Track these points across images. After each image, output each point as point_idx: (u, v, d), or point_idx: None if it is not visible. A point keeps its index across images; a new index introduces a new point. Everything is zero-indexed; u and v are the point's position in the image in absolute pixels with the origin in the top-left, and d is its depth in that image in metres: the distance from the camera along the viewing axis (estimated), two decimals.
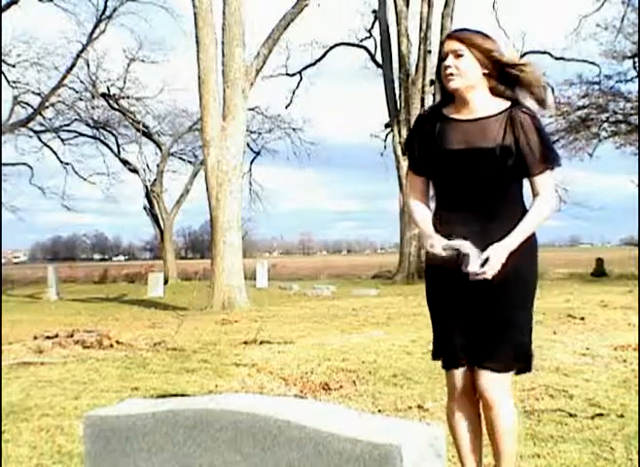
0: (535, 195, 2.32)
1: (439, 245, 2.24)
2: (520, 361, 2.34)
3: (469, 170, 2.28)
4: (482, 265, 2.20)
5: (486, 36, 2.33)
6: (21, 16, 46.42)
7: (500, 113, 2.30)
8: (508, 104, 2.32)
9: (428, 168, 2.41)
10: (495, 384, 2.29)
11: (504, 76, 2.32)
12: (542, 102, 2.34)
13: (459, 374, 2.37)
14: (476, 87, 2.31)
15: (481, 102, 2.32)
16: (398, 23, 22.65)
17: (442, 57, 2.33)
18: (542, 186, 2.30)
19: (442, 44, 2.36)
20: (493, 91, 2.34)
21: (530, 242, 2.32)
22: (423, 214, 2.43)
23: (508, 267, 2.21)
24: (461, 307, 2.32)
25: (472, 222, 2.28)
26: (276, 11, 14.63)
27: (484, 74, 2.31)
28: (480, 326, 2.30)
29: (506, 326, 2.29)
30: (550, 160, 2.31)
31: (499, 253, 2.20)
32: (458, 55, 2.27)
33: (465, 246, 2.20)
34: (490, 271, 2.19)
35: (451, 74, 2.28)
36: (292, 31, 15.75)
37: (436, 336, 2.44)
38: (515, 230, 2.25)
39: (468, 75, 2.28)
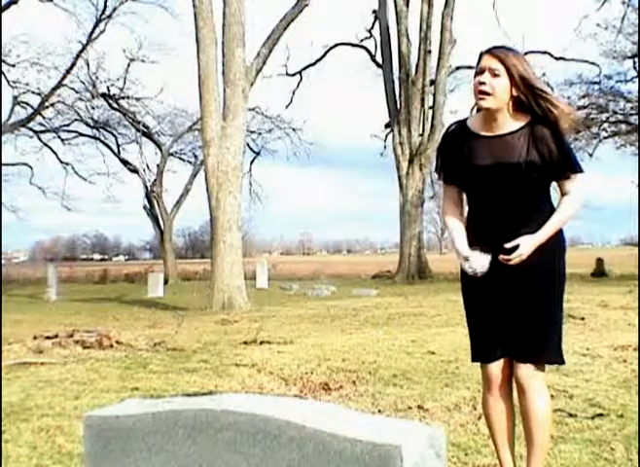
0: (564, 194, 2.45)
1: (475, 268, 2.40)
2: (553, 353, 2.47)
3: (498, 184, 2.41)
4: (511, 251, 2.36)
5: (521, 57, 2.41)
6: (21, 16, 46.43)
7: (522, 128, 2.40)
8: (529, 118, 2.40)
9: (459, 181, 2.56)
10: (532, 375, 2.45)
11: (532, 98, 2.37)
12: (573, 124, 2.43)
13: (495, 367, 2.51)
14: (505, 105, 2.39)
15: (506, 118, 2.42)
16: (398, 23, 22.65)
17: (478, 71, 2.39)
18: (571, 187, 2.43)
19: (480, 57, 2.41)
20: (515, 103, 2.40)
21: (559, 241, 2.46)
22: (459, 232, 2.53)
23: (540, 262, 2.37)
24: (496, 303, 2.45)
25: (503, 232, 2.40)
26: (276, 11, 14.65)
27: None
28: (516, 320, 2.44)
29: (540, 319, 2.42)
30: (575, 164, 2.43)
31: (528, 242, 2.34)
32: (495, 75, 2.34)
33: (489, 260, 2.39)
34: (516, 259, 2.33)
35: (486, 92, 2.35)
36: (292, 31, 15.76)
37: (473, 334, 2.57)
38: (544, 226, 2.38)
39: (501, 96, 2.36)
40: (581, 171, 2.44)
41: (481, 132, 2.46)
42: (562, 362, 2.54)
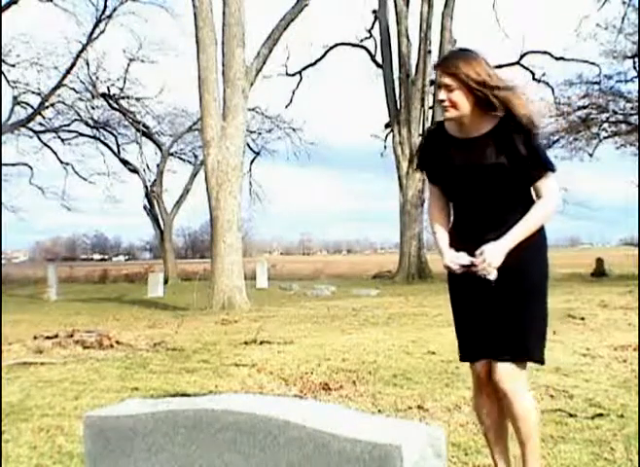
0: (538, 198, 2.43)
1: (452, 264, 2.42)
2: (529, 352, 2.47)
3: (470, 186, 2.45)
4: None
5: (474, 58, 2.41)
6: (21, 16, 46.43)
7: (491, 130, 2.42)
8: (498, 119, 2.41)
9: (439, 181, 2.60)
10: (510, 377, 2.42)
11: (493, 99, 2.39)
12: (529, 124, 2.39)
13: (479, 367, 2.53)
14: (472, 112, 2.42)
15: (474, 122, 2.44)
16: (398, 23, 22.65)
17: (437, 85, 2.48)
18: (542, 189, 2.41)
19: (435, 69, 2.51)
20: (483, 104, 2.40)
21: (536, 241, 2.43)
22: (441, 232, 2.57)
23: (513, 264, 2.35)
24: (477, 303, 2.48)
25: (484, 231, 2.42)
26: (276, 11, 14.65)
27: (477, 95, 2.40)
28: (492, 321, 2.44)
29: (516, 319, 2.42)
30: (545, 164, 2.40)
31: (491, 250, 2.33)
32: (450, 90, 2.39)
33: (469, 259, 2.39)
34: (483, 264, 2.33)
35: (446, 107, 2.43)
36: (292, 31, 15.76)
37: (458, 334, 2.60)
38: (511, 230, 2.37)
39: (462, 107, 2.41)
40: (552, 171, 2.41)
41: (456, 134, 2.50)
42: (540, 362, 2.52)
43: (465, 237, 2.47)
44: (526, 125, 2.36)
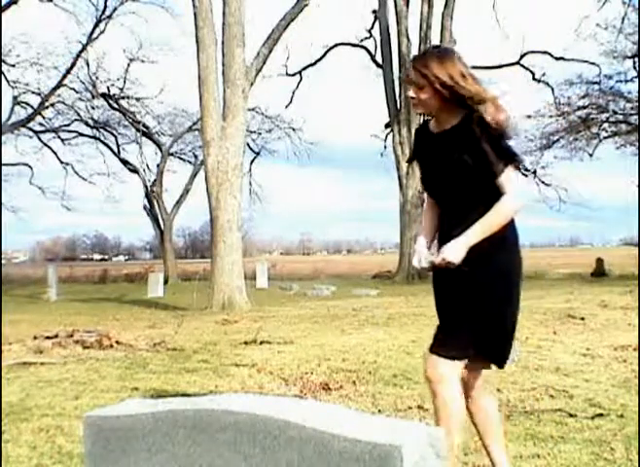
0: (502, 195, 2.39)
1: (417, 264, 2.49)
2: (441, 346, 2.43)
3: (440, 180, 2.50)
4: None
5: (449, 58, 2.41)
6: (21, 16, 46.39)
7: (457, 124, 2.43)
8: (463, 114, 2.41)
9: (421, 179, 2.65)
10: (430, 363, 2.42)
11: (461, 98, 2.39)
12: (496, 126, 2.37)
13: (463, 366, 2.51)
14: (441, 108, 2.45)
15: (445, 116, 2.47)
16: (398, 23, 22.65)
17: (407, 81, 2.51)
18: (502, 185, 2.36)
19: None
20: (454, 100, 2.41)
21: (501, 238, 2.39)
22: (422, 233, 2.62)
23: (476, 261, 2.34)
24: (446, 303, 2.54)
25: (451, 228, 2.43)
26: (276, 11, 14.65)
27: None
28: (456, 320, 2.46)
29: (475, 319, 2.40)
30: (506, 158, 2.36)
31: (449, 248, 2.35)
32: (419, 88, 2.42)
33: (431, 259, 2.45)
34: (441, 263, 2.36)
35: (415, 103, 2.48)
36: (292, 31, 15.75)
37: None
38: (471, 227, 2.35)
39: (428, 104, 2.45)
40: (515, 163, 2.36)
41: (434, 129, 2.53)
42: (499, 365, 2.51)
43: (440, 235, 2.52)
44: (490, 124, 2.34)
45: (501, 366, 2.53)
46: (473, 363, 2.49)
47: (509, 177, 2.35)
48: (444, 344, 2.42)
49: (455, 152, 2.39)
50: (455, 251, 2.33)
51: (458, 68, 2.38)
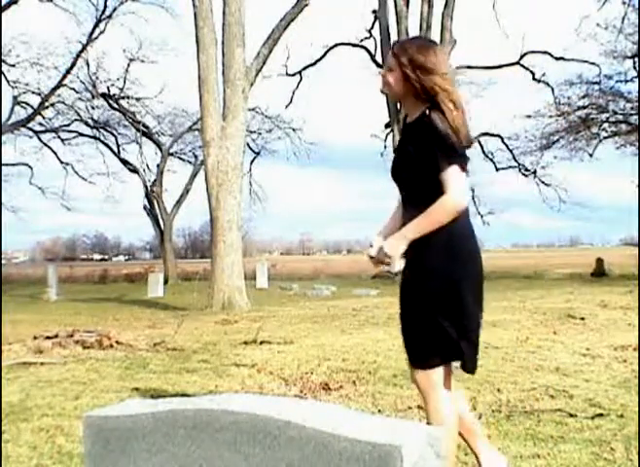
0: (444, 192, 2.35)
1: (366, 258, 2.52)
2: (412, 359, 2.44)
3: (396, 171, 2.55)
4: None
5: (431, 49, 2.43)
6: (21, 16, 46.40)
7: (417, 118, 2.45)
8: (423, 108, 2.41)
9: None
10: (419, 379, 2.42)
11: (426, 92, 2.40)
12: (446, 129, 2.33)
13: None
14: (405, 95, 2.47)
15: (410, 108, 2.51)
16: (398, 23, 22.63)
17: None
18: (445, 183, 2.30)
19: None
20: (418, 93, 2.43)
21: (438, 236, 2.31)
22: (383, 228, 2.64)
23: (411, 260, 2.37)
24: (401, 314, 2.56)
25: (402, 223, 2.44)
26: (276, 11, 14.63)
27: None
28: (404, 326, 2.50)
29: (412, 320, 2.44)
30: (448, 157, 2.30)
31: (387, 243, 2.37)
32: (390, 70, 2.46)
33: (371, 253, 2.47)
34: (379, 256, 2.38)
35: (382, 82, 2.52)
36: (292, 31, 15.74)
37: None
38: (410, 223, 2.35)
39: (394, 88, 2.48)
40: (459, 162, 2.30)
41: (408, 121, 2.56)
42: (421, 366, 2.40)
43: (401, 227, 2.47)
44: (442, 120, 2.31)
45: (467, 369, 2.43)
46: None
47: (452, 175, 2.29)
48: (412, 354, 2.46)
49: (407, 144, 2.45)
50: (391, 246, 2.34)
51: (432, 60, 2.37)
